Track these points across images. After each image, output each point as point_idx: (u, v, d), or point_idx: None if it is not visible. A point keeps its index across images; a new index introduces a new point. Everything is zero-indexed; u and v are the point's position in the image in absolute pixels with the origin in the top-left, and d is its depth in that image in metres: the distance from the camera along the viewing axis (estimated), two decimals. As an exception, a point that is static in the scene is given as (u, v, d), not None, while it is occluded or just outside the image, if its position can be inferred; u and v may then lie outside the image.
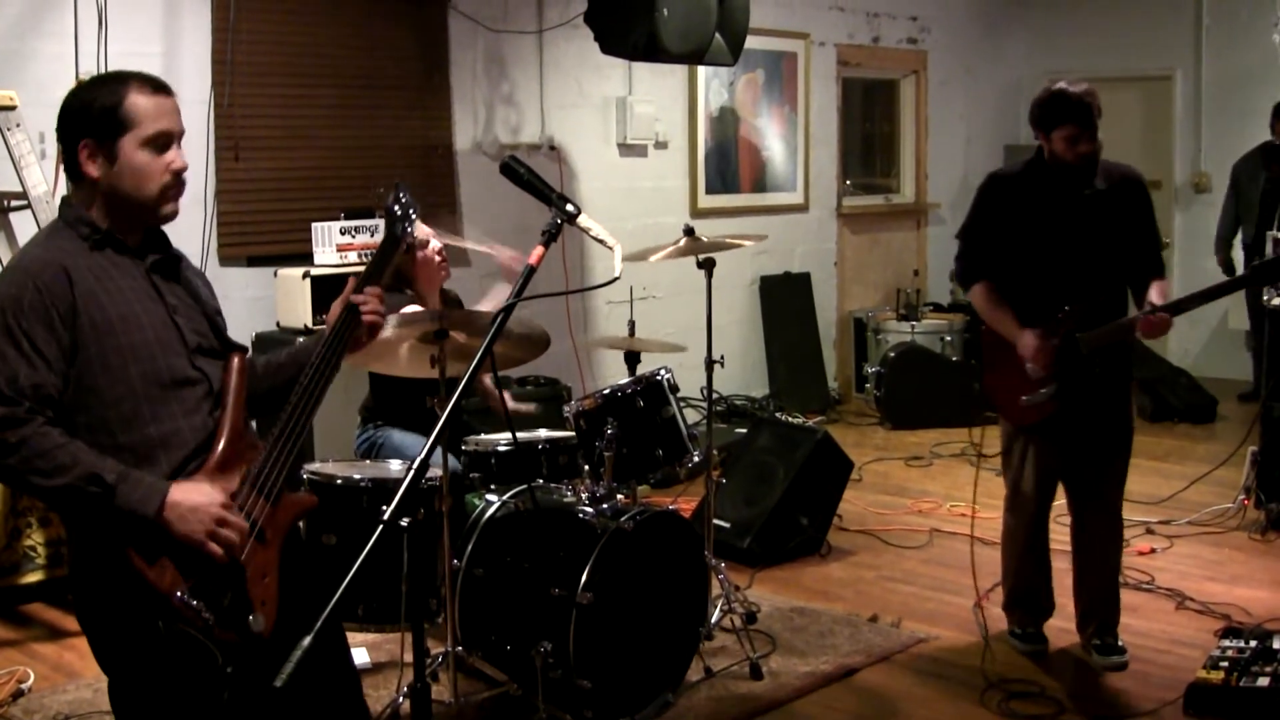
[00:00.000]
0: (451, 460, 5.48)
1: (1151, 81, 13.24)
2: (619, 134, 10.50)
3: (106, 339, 3.49)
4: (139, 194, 3.59)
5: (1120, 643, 6.08)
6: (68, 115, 3.60)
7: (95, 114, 3.55)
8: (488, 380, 6.69)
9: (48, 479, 3.34)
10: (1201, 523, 8.13)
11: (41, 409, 3.38)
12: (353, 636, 6.19)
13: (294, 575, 3.67)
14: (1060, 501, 6.18)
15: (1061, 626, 6.27)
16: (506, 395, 6.61)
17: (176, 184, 3.64)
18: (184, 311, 3.72)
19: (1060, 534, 6.29)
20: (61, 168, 3.74)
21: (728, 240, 6.62)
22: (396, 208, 3.97)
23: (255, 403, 3.84)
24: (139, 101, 3.56)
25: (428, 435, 3.38)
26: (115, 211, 3.62)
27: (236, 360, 3.73)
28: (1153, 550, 7.60)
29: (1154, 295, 5.70)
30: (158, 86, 3.63)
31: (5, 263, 6.68)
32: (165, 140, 3.60)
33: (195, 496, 3.43)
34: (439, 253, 6.42)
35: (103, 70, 7.42)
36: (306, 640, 2.83)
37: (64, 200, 3.71)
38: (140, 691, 3.59)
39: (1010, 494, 6.21)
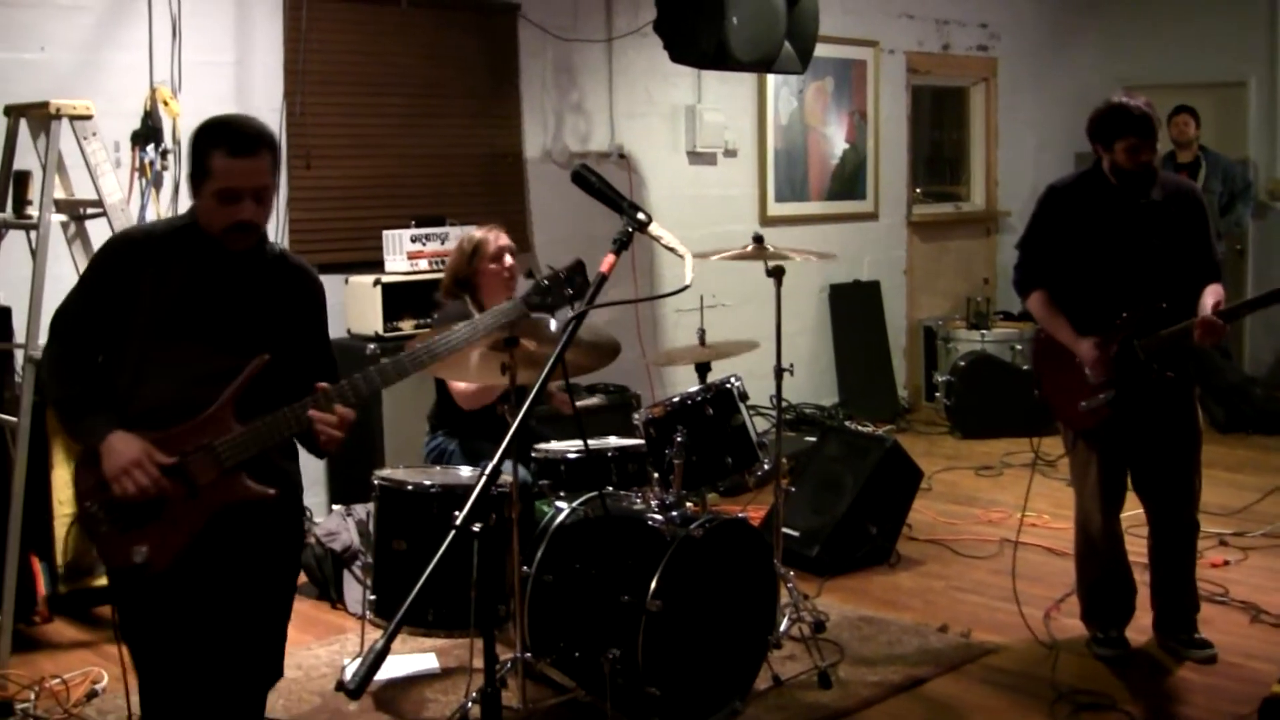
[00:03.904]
0: (521, 471, 5.49)
1: (1225, 88, 13.12)
2: (688, 142, 10.52)
3: (150, 307, 4.17)
4: (207, 228, 4.22)
5: (1203, 635, 6.21)
6: (194, 139, 4.22)
7: (192, 159, 4.18)
8: (556, 390, 6.71)
9: (52, 390, 4.30)
10: (1277, 534, 8.03)
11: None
12: (421, 641, 6.27)
13: (266, 565, 4.35)
14: (1138, 510, 6.19)
15: (1132, 638, 6.24)
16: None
17: (239, 230, 4.18)
18: (246, 310, 4.30)
19: (1135, 544, 6.28)
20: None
21: (794, 252, 6.61)
22: (569, 289, 4.19)
23: None
24: (218, 162, 4.09)
25: (495, 443, 3.40)
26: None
27: (257, 359, 4.17)
28: (1226, 562, 7.53)
29: (1208, 298, 5.80)
30: (240, 150, 4.11)
31: (80, 272, 6.76)
32: (233, 195, 4.11)
33: (124, 444, 4.04)
34: (509, 268, 6.44)
35: (177, 81, 7.52)
36: (380, 643, 2.86)
37: None
38: None
39: (1077, 500, 6.25)
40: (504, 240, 6.47)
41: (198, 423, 4.11)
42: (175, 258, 4.19)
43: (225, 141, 4.11)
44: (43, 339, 6.34)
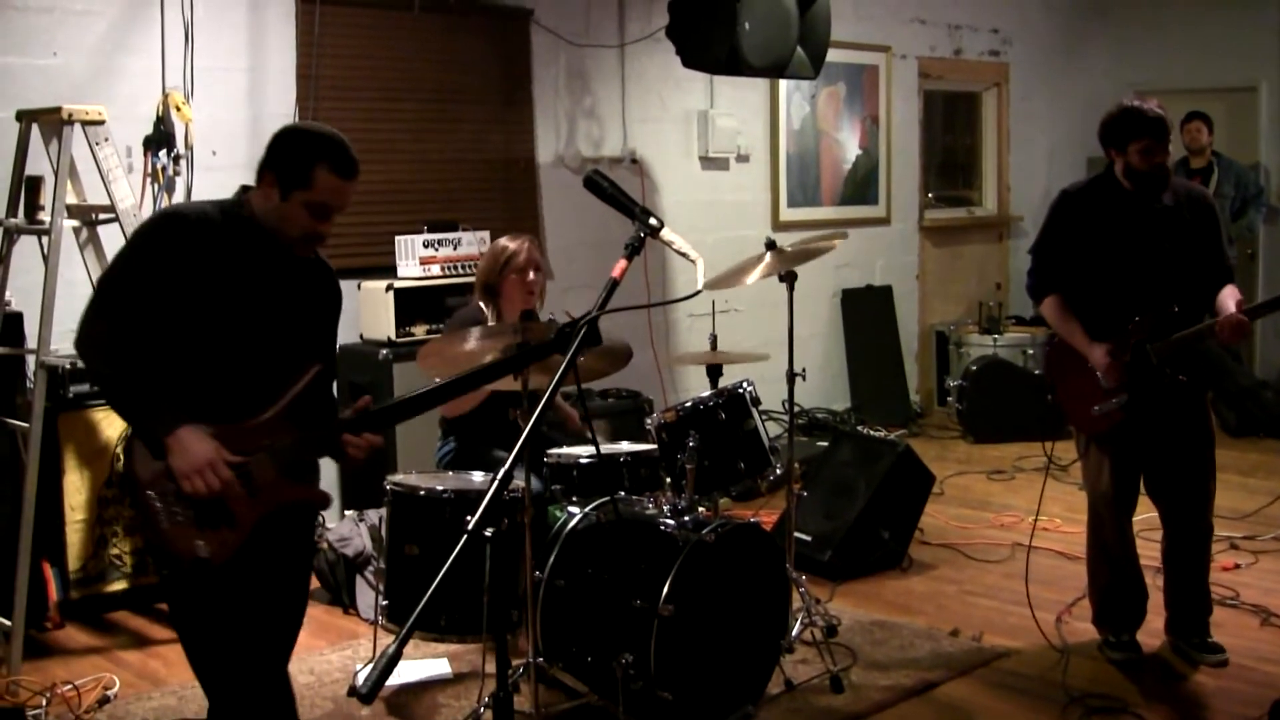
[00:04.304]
0: (534, 481, 5.50)
1: (1236, 93, 13.11)
2: (700, 147, 10.52)
3: (201, 296, 4.12)
4: (275, 228, 4.24)
5: (1215, 639, 6.19)
6: (278, 144, 4.26)
7: (291, 163, 4.20)
8: (562, 402, 6.72)
9: (109, 366, 4.10)
10: (1287, 538, 8.04)
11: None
12: (434, 646, 6.27)
13: (289, 564, 4.47)
14: (1150, 514, 6.18)
15: (1144, 641, 6.24)
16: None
17: (314, 241, 4.31)
18: (287, 306, 4.32)
19: (1146, 548, 6.28)
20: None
21: (810, 245, 6.60)
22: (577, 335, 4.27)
23: None
24: (323, 177, 4.19)
25: (508, 449, 3.41)
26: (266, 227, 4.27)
27: (312, 369, 4.27)
28: (1237, 566, 7.52)
29: (1228, 298, 5.82)
30: (347, 173, 4.28)
31: (92, 277, 6.79)
32: (326, 211, 4.25)
33: (195, 442, 4.02)
34: (531, 282, 6.43)
35: (190, 87, 7.53)
36: (392, 648, 2.86)
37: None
38: None
39: (1090, 504, 6.24)
40: (534, 255, 6.47)
41: (257, 424, 4.16)
42: (230, 249, 4.19)
43: (334, 160, 4.21)
44: (55, 345, 6.40)
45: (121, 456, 4.34)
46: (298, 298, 4.35)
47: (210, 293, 4.14)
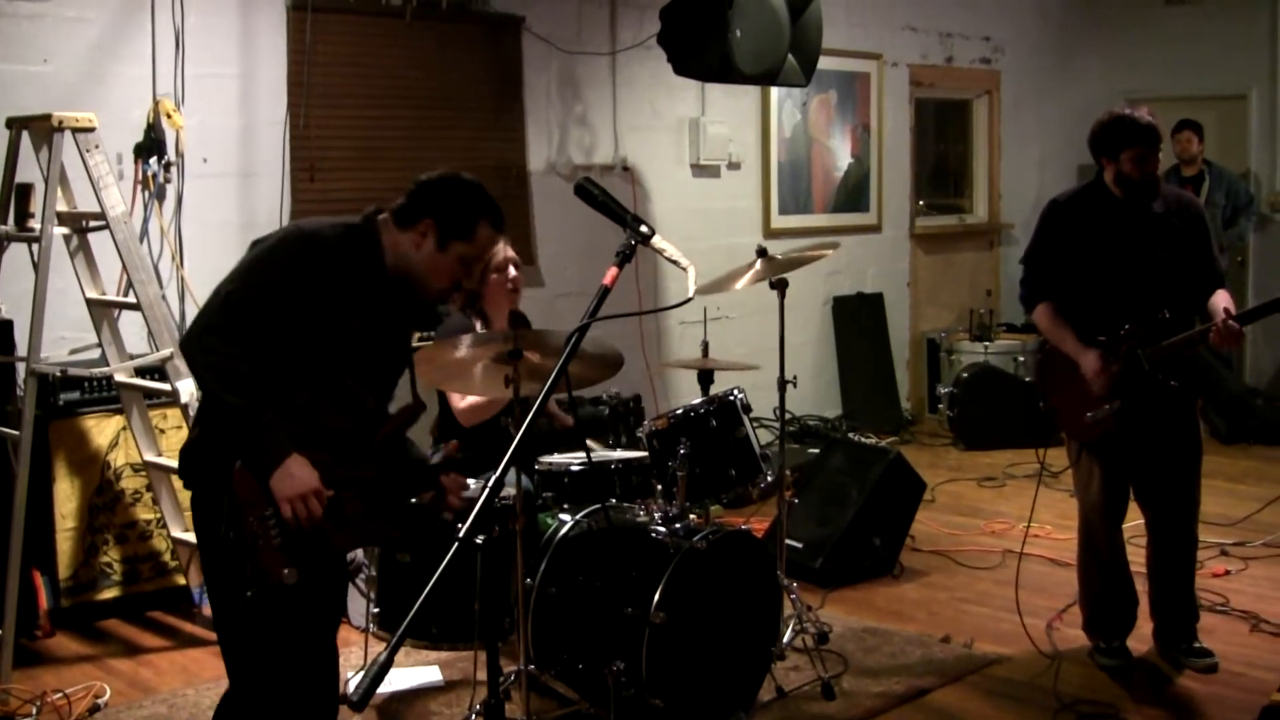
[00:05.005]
0: (525, 480, 5.49)
1: (1226, 101, 13.13)
2: (692, 155, 10.52)
3: (321, 328, 4.08)
4: (426, 281, 4.26)
5: (1203, 644, 6.21)
6: (440, 193, 4.38)
7: (456, 215, 4.28)
8: (556, 409, 6.70)
9: (234, 394, 3.94)
10: (1277, 544, 8.02)
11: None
12: (425, 654, 6.26)
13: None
14: (1140, 521, 6.19)
15: (1134, 647, 6.25)
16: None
17: (457, 291, 4.43)
18: (390, 339, 4.35)
19: (1136, 554, 6.29)
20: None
21: (802, 255, 6.61)
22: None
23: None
24: (484, 232, 4.31)
25: (499, 456, 3.40)
26: (399, 269, 4.26)
27: (409, 410, 4.38)
28: (1227, 572, 7.53)
29: (1220, 303, 5.82)
30: (501, 225, 4.38)
31: (83, 285, 6.78)
32: (477, 263, 4.37)
33: (302, 470, 4.00)
34: (513, 279, 6.41)
35: (180, 94, 7.53)
36: (383, 656, 2.87)
37: (377, 212, 4.36)
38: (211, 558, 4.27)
39: (1081, 511, 6.25)
40: (509, 252, 6.46)
41: (349, 458, 4.18)
42: (354, 278, 4.16)
43: (494, 215, 4.31)
44: (45, 352, 6.39)
45: (181, 476, 4.26)
46: (399, 331, 4.41)
47: (330, 320, 4.11)
